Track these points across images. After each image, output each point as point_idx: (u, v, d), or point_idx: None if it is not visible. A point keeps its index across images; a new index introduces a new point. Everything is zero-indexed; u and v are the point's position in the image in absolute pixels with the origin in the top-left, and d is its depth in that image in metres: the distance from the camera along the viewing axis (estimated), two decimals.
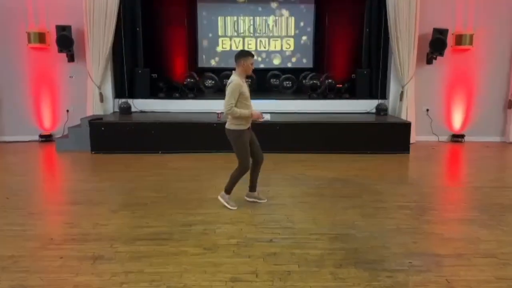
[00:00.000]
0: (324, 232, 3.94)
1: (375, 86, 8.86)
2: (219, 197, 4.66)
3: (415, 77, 8.31)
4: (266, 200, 4.82)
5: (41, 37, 8.24)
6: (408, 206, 4.71)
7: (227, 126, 4.49)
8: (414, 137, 8.11)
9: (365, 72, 8.95)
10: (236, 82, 4.30)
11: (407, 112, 8.26)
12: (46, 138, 8.55)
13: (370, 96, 8.89)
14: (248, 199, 4.81)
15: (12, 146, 8.21)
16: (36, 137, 8.59)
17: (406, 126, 7.57)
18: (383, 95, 8.72)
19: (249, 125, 4.52)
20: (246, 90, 4.42)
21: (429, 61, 8.43)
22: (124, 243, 3.69)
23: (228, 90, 4.30)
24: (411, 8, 7.98)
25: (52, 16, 8.22)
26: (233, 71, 4.47)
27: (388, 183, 5.64)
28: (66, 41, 8.04)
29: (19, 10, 8.26)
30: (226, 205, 4.59)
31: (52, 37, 8.21)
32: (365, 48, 9.03)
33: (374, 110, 8.53)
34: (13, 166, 6.83)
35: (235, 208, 4.57)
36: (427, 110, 8.70)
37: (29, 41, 8.23)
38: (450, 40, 8.27)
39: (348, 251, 3.53)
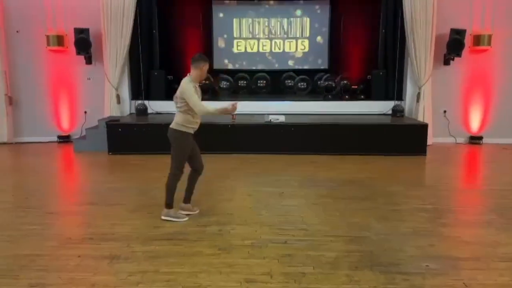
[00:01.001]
0: (339, 234, 3.92)
1: (391, 87, 8.79)
2: (164, 217, 4.25)
3: (432, 78, 8.21)
4: (198, 211, 4.48)
5: (59, 40, 8.40)
6: (424, 209, 4.65)
7: (174, 126, 4.22)
8: (431, 139, 8.00)
9: (381, 73, 8.88)
10: (188, 82, 4.07)
11: (424, 113, 8.17)
12: (64, 139, 8.71)
13: (386, 97, 8.81)
14: (181, 212, 4.39)
15: (31, 146, 8.38)
16: (54, 138, 8.75)
17: (423, 127, 7.48)
18: (399, 96, 8.64)
19: (196, 129, 4.33)
20: (200, 93, 4.23)
21: (446, 62, 8.33)
22: (141, 243, 3.74)
23: (185, 92, 4.02)
24: (428, 8, 7.90)
25: (70, 19, 8.38)
26: (188, 74, 4.18)
27: (404, 185, 5.58)
28: (84, 44, 8.18)
29: (38, 14, 8.44)
30: (175, 220, 4.23)
31: (70, 39, 8.37)
32: (381, 48, 8.96)
33: (390, 112, 8.46)
34: (31, 167, 6.96)
35: (186, 218, 4.28)
36: (445, 111, 8.59)
37: (48, 44, 8.40)
38: (467, 40, 8.16)
39: (364, 254, 3.51)
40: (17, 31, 8.54)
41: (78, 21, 8.30)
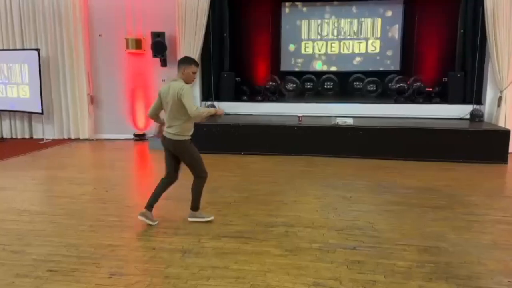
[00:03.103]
0: (412, 243, 3.76)
1: (470, 91, 8.27)
2: (191, 219, 4.27)
3: None
4: (157, 223, 4.23)
5: (137, 43, 8.88)
6: (506, 221, 4.34)
7: (174, 137, 4.10)
8: None
9: (458, 75, 8.38)
10: (189, 86, 4.04)
11: (506, 118, 7.61)
12: (140, 137, 9.20)
13: (464, 101, 8.31)
14: (141, 217, 4.20)
15: (109, 143, 8.96)
16: (131, 136, 9.27)
17: (505, 134, 6.98)
18: (479, 100, 8.11)
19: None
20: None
21: None
22: (211, 239, 3.85)
23: (184, 95, 3.94)
24: None
25: (148, 23, 8.84)
26: (178, 78, 4.13)
27: (483, 195, 5.24)
28: (160, 47, 8.59)
29: (119, 19, 9.00)
30: (203, 220, 4.26)
31: (147, 43, 8.82)
32: (459, 49, 8.47)
33: (468, 116, 7.97)
34: (111, 162, 7.44)
35: (213, 217, 4.32)
36: None
37: (127, 47, 8.91)
38: None
39: (439, 265, 3.33)
40: (100, 35, 9.17)
41: (155, 25, 8.73)
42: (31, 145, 8.71)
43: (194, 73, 4.13)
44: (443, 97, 8.59)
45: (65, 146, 8.70)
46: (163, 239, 3.88)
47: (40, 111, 9.00)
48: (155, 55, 8.65)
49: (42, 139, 9.19)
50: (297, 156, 7.27)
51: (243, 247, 3.68)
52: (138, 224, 4.26)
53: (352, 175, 6.19)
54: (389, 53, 9.59)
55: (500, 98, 7.69)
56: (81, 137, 9.31)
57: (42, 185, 5.95)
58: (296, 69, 9.97)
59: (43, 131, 9.31)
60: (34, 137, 9.50)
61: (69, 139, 9.31)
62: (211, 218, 4.33)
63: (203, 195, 4.34)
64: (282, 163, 6.94)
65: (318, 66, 9.86)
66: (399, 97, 8.65)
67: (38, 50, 8.84)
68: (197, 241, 3.81)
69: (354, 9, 9.63)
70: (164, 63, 8.79)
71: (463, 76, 8.38)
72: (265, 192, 5.35)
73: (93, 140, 9.28)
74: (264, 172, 6.41)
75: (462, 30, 8.39)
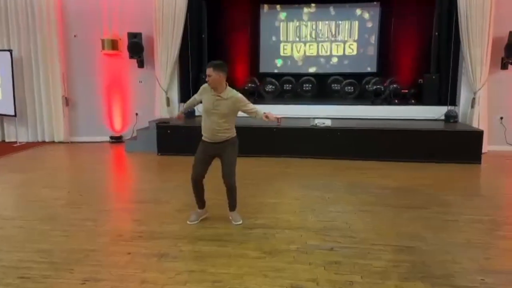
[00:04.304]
0: (388, 243, 3.80)
1: (444, 92, 8.45)
2: None
3: (488, 83, 7.82)
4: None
5: (114, 44, 8.75)
6: (480, 220, 4.42)
7: None
8: (486, 147, 7.62)
9: (433, 77, 8.55)
10: (204, 85, 4.26)
11: (479, 119, 7.79)
12: (116, 139, 9.06)
13: (439, 102, 8.49)
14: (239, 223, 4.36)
15: (85, 146, 8.78)
16: (107, 138, 9.12)
17: (478, 134, 7.14)
18: (453, 101, 8.28)
19: (210, 139, 4.18)
20: (207, 101, 4.12)
21: (504, 66, 7.91)
22: (188, 243, 3.80)
23: None
24: (485, 9, 7.53)
25: (125, 24, 8.71)
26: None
27: (458, 194, 5.34)
28: (137, 48, 8.48)
29: (95, 19, 8.85)
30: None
31: (124, 43, 8.69)
32: (433, 52, 8.64)
33: (442, 117, 8.13)
34: (86, 165, 7.29)
35: (194, 223, 4.27)
36: (501, 118, 8.15)
37: (103, 48, 8.77)
38: None
39: (415, 265, 3.37)
40: (75, 36, 9.00)
41: (131, 26, 8.62)
42: (3, 148, 8.47)
43: (206, 75, 4.12)
44: (419, 99, 8.75)
45: (39, 149, 8.48)
46: (139, 243, 3.81)
47: (13, 113, 8.75)
48: (131, 56, 8.54)
49: (15, 142, 8.94)
50: (275, 158, 7.28)
51: (221, 250, 3.64)
52: (114, 229, 4.19)
53: (330, 176, 6.24)
54: (366, 55, 9.72)
55: (473, 100, 7.87)
56: (56, 140, 9.11)
57: (14, 189, 5.77)
58: (276, 71, 10.00)
59: (16, 134, 9.06)
60: (7, 140, 9.24)
61: (44, 142, 9.08)
62: (192, 223, 4.28)
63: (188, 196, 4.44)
64: (260, 165, 6.93)
65: (297, 67, 9.89)
66: (376, 98, 8.76)
67: (10, 51, 8.60)
68: (174, 244, 3.75)
69: (332, 11, 9.73)
70: (141, 64, 8.69)
71: (437, 78, 8.56)
72: (243, 194, 5.28)
73: (68, 142, 9.09)
74: (243, 174, 6.30)
75: (436, 33, 8.57)
